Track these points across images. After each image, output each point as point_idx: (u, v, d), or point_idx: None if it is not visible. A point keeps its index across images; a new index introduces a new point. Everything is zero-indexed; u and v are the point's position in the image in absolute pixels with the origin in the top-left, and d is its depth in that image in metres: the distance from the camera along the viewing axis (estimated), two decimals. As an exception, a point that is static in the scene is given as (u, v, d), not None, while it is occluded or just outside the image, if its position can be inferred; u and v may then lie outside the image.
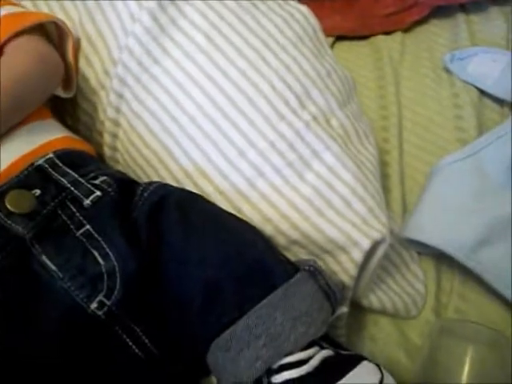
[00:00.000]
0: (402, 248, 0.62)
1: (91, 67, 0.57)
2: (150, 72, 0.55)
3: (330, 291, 0.47)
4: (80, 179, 0.48)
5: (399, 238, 0.62)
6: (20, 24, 0.52)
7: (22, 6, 0.58)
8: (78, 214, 0.46)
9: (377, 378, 0.42)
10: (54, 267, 0.44)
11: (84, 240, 0.46)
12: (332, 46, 0.84)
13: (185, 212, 0.47)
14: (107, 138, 0.58)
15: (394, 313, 0.59)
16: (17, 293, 0.44)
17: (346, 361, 0.43)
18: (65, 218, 0.46)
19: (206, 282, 0.45)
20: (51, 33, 0.57)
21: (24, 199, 0.46)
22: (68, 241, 0.46)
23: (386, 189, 0.64)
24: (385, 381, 0.42)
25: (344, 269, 0.52)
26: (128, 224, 0.47)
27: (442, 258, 0.63)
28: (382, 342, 0.58)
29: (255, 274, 0.45)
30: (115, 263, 0.45)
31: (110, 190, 0.48)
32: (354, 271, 0.52)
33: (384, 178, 0.65)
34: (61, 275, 0.44)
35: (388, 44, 0.85)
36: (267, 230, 0.52)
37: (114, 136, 0.58)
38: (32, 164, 0.48)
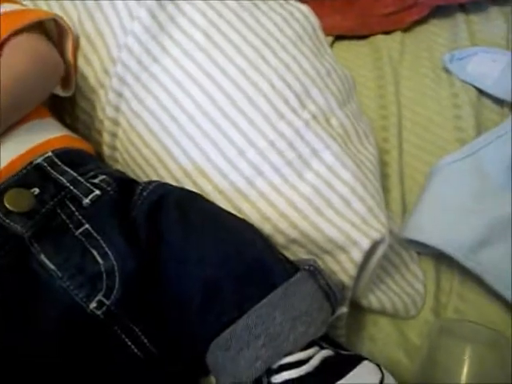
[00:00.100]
0: (402, 248, 0.62)
1: (90, 66, 0.57)
2: (150, 71, 0.54)
3: (329, 291, 0.46)
4: (79, 178, 0.48)
5: (399, 237, 0.62)
6: (19, 22, 0.52)
7: (22, 4, 0.57)
8: (77, 213, 0.46)
9: (377, 377, 0.42)
10: (52, 266, 0.44)
11: (83, 239, 0.45)
12: (331, 45, 0.84)
13: (184, 211, 0.47)
14: (106, 137, 0.58)
15: (393, 313, 0.59)
16: (16, 292, 0.43)
17: (346, 361, 0.43)
18: (64, 216, 0.46)
19: (206, 281, 0.45)
20: (50, 30, 0.57)
21: (23, 198, 0.46)
22: (67, 240, 0.45)
23: (385, 189, 0.64)
24: (385, 381, 0.42)
25: (343, 268, 0.52)
26: (127, 223, 0.47)
27: (441, 258, 0.63)
28: (381, 342, 0.58)
29: (255, 273, 0.45)
30: (114, 262, 0.44)
31: (109, 189, 0.48)
32: (353, 271, 0.52)
33: (383, 177, 0.64)
34: (60, 274, 0.44)
35: (387, 44, 0.85)
36: (266, 228, 0.52)
37: (114, 135, 0.58)
38: (31, 163, 0.48)
